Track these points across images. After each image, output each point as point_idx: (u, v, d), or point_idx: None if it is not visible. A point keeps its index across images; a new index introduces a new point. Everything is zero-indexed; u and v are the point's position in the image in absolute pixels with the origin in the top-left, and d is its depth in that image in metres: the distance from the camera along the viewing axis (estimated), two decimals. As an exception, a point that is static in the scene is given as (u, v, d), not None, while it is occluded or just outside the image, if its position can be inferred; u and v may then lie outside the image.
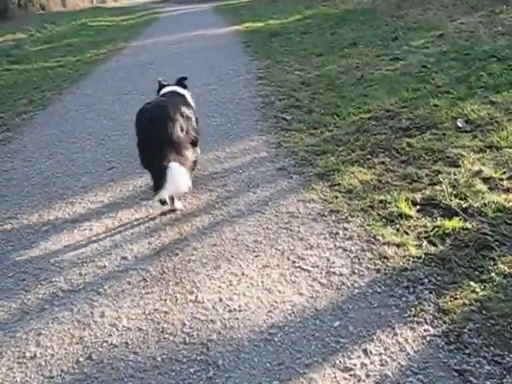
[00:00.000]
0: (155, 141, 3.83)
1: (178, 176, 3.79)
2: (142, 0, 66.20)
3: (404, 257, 3.62)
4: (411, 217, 4.02)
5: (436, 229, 3.82)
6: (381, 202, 4.28)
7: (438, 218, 3.93)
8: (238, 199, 4.45)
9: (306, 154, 5.31)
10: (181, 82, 4.85)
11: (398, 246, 3.72)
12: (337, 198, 4.39)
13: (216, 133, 6.12)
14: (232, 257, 3.65)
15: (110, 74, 10.47)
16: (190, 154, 4.04)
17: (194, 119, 4.35)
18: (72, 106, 8.06)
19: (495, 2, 12.83)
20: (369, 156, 5.27)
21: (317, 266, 3.50)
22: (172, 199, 4.19)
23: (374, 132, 5.81)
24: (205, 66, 10.06)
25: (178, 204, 4.30)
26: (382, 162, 5.04)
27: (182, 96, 4.58)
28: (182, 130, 3.98)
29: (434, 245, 3.73)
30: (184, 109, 4.22)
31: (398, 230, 3.87)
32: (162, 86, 4.79)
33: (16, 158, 5.94)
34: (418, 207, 4.17)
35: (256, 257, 3.63)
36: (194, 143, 4.32)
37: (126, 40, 16.38)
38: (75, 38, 18.18)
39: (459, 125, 5.66)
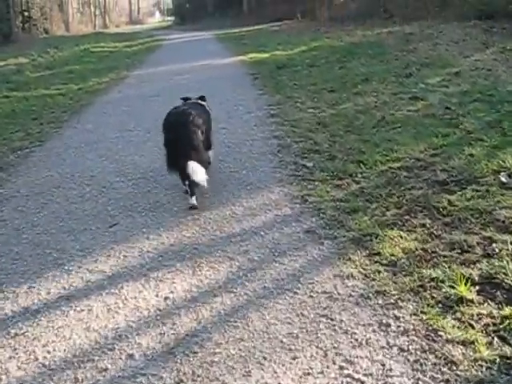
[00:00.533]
0: (179, 143, 4.62)
1: (198, 171, 4.50)
2: (145, 26, 66.36)
3: (475, 361, 2.84)
4: (472, 301, 3.26)
5: (505, 320, 3.11)
6: (432, 279, 3.48)
7: (504, 304, 3.22)
8: (263, 272, 3.63)
9: (335, 213, 4.49)
10: (201, 98, 5.70)
11: (464, 344, 2.97)
12: (379, 272, 3.57)
13: (230, 181, 5.30)
14: (264, 358, 2.82)
15: (112, 106, 9.67)
16: (205, 155, 4.86)
17: (210, 123, 5.29)
18: (72, 143, 7.23)
19: (505, 38, 12.18)
20: (406, 216, 4.49)
21: (370, 375, 2.69)
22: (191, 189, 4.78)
23: (407, 186, 5.01)
24: (212, 99, 9.17)
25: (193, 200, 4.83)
26: (423, 225, 4.26)
27: (203, 106, 5.43)
28: (202, 133, 4.78)
29: (508, 343, 2.96)
30: (204, 116, 5.08)
31: (460, 320, 3.13)
32: (186, 99, 5.61)
33: (6, 206, 5.09)
34: (476, 287, 3.32)
35: (294, 359, 2.82)
36: (209, 146, 5.16)
37: (128, 68, 15.68)
38: (77, 65, 17.50)
39: (503, 180, 4.88)
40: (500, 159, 5.23)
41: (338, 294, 3.42)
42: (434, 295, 3.36)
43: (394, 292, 3.40)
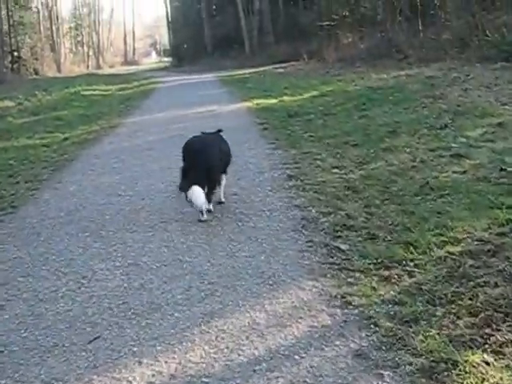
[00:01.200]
0: (197, 169, 5.47)
1: (196, 194, 5.37)
2: (141, 67, 66.25)
3: None
4: None
5: None
6: None
7: None
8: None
9: (391, 323, 3.47)
10: (219, 131, 6.50)
11: None
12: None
13: (247, 272, 4.28)
14: None
15: (100, 162, 8.74)
16: (219, 178, 5.91)
17: (228, 151, 6.24)
18: (49, 211, 6.23)
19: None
20: (487, 329, 3.53)
21: None
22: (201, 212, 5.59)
23: (477, 280, 4.04)
24: None
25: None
26: (513, 342, 3.15)
27: (220, 135, 6.32)
28: (220, 160, 5.88)
29: None
30: (221, 144, 6.17)
31: None
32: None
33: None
34: None
35: None
36: (225, 171, 6.11)
37: (121, 115, 14.87)
38: (66, 110, 16.69)
39: None
40: None
41: None
42: None
43: None
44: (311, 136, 9.76)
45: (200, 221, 5.55)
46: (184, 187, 5.41)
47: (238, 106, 14.28)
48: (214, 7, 47.92)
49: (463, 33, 21.67)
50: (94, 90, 23.88)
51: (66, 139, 11.36)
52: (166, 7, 61.85)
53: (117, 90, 24.21)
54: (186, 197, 5.41)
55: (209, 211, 5.66)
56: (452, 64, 17.91)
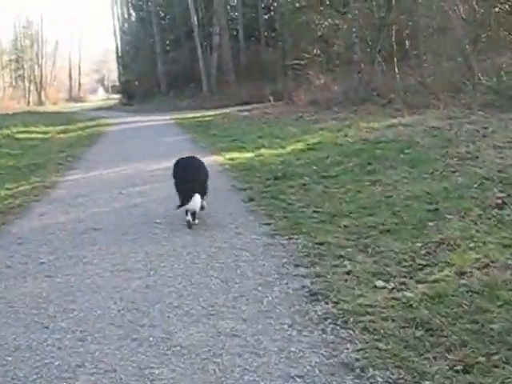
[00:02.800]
0: (189, 181, 7.16)
1: (196, 201, 6.97)
2: (86, 104, 63.41)
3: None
4: None
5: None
6: None
7: None
8: None
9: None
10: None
11: None
12: None
13: None
14: None
15: (22, 251, 6.19)
16: (205, 188, 7.42)
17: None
18: None
19: None
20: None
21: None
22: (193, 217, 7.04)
23: None
24: (187, 246, 5.98)
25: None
26: None
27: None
28: (205, 176, 7.56)
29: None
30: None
31: None
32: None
33: None
34: None
35: None
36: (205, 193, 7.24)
37: (59, 169, 12.69)
38: (-9, 160, 13.75)
39: None
40: None
41: None
42: None
43: None
44: (316, 212, 7.64)
45: (190, 224, 7.10)
46: (185, 201, 6.93)
47: (205, 161, 11.61)
48: (168, 42, 45.68)
49: (454, 76, 19.78)
50: (31, 132, 21.40)
51: (-20, 206, 8.58)
52: (116, 40, 59.44)
53: (58, 132, 21.91)
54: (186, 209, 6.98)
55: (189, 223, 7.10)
56: (450, 111, 15.86)
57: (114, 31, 59.83)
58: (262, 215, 7.59)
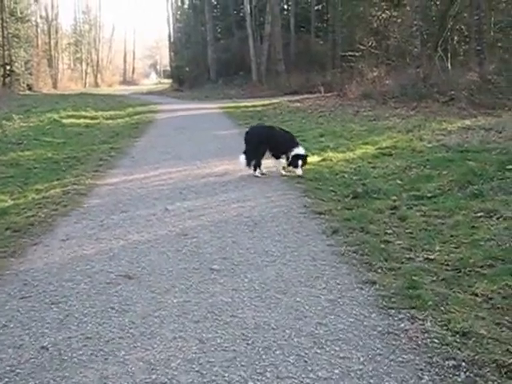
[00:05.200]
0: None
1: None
2: (139, 87, 61.38)
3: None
4: None
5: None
6: None
7: None
8: None
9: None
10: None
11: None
12: None
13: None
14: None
15: (25, 312, 4.23)
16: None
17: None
18: None
19: None
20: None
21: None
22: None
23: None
24: (260, 328, 4.06)
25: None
26: None
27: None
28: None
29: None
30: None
31: None
32: None
33: None
34: None
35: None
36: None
37: (99, 167, 10.49)
38: (30, 150, 11.66)
39: None
40: None
41: None
42: None
43: None
44: (429, 261, 5.22)
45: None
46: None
47: (266, 166, 9.12)
48: (220, 30, 42.93)
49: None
50: (79, 117, 19.28)
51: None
52: (169, 27, 57.18)
53: (106, 118, 19.62)
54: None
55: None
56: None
57: (168, 18, 57.90)
58: (357, 264, 5.13)
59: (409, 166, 9.11)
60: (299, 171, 8.67)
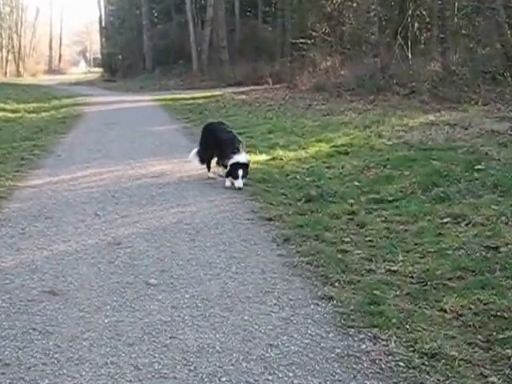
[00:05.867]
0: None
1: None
2: (66, 77, 60.36)
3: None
4: None
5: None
6: None
7: None
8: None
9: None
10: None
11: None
12: None
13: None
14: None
15: None
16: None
17: None
18: None
19: None
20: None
21: None
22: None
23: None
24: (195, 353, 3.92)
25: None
26: None
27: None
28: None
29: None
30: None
31: None
32: None
33: None
34: None
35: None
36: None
37: (21, 167, 10.13)
38: None
39: None
40: None
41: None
42: None
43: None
44: (392, 272, 5.18)
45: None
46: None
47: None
48: (156, 13, 42.57)
49: (490, 65, 17.14)
50: (-2, 109, 18.34)
51: None
52: (100, 10, 56.37)
53: (29, 111, 19.42)
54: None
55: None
56: (495, 109, 13.37)
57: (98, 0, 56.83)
58: (312, 277, 5.10)
59: (367, 165, 9.12)
60: (239, 184, 8.04)
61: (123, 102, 23.77)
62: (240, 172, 7.95)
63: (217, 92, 25.05)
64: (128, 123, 16.17)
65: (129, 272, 5.22)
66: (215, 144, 8.51)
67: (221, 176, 8.57)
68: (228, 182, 8.26)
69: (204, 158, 8.74)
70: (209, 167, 8.87)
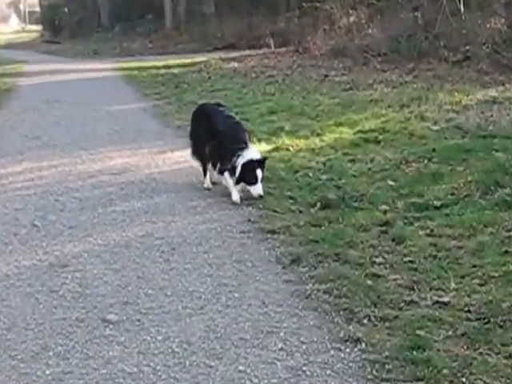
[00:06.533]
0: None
1: None
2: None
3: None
4: None
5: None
6: None
7: None
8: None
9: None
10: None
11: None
12: None
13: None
14: None
15: None
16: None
17: None
18: None
19: None
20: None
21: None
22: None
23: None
24: None
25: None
26: None
27: None
28: None
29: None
30: None
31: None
32: None
33: None
34: None
35: None
36: None
37: None
38: None
39: None
40: None
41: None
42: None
43: None
44: (444, 309, 5.20)
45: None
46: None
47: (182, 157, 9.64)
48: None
49: None
50: None
51: None
52: None
53: None
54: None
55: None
56: None
57: None
58: (331, 311, 5.16)
59: (405, 158, 9.25)
60: (258, 190, 7.73)
61: (71, 71, 24.03)
62: (258, 173, 7.63)
63: (199, 58, 25.45)
64: (78, 101, 16.34)
65: (79, 305, 5.23)
66: (211, 137, 8.20)
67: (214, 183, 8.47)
68: (235, 195, 7.85)
69: (198, 155, 8.51)
70: (205, 171, 8.50)
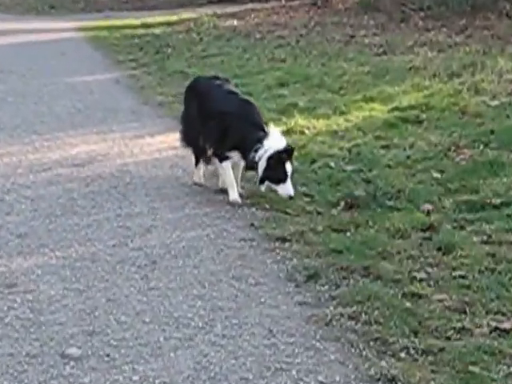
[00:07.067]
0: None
1: None
2: None
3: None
4: None
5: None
6: None
7: None
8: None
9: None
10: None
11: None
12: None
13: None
14: None
15: None
16: None
17: None
18: None
19: None
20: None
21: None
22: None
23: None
24: None
25: None
26: None
27: None
28: None
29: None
30: None
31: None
32: None
33: None
34: None
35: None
36: None
37: None
38: None
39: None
40: None
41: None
42: None
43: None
44: (504, 335, 5.24)
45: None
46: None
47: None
48: None
49: None
50: None
51: None
52: None
53: None
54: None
55: None
56: None
57: None
58: (359, 342, 5.17)
59: (455, 143, 9.34)
60: (289, 189, 7.63)
61: (20, 32, 24.01)
62: (288, 167, 7.53)
63: (187, 14, 25.60)
64: (30, 71, 16.39)
65: (30, 336, 5.27)
66: (209, 119, 8.12)
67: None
68: (234, 192, 7.99)
69: (189, 142, 8.43)
70: (197, 161, 8.47)
